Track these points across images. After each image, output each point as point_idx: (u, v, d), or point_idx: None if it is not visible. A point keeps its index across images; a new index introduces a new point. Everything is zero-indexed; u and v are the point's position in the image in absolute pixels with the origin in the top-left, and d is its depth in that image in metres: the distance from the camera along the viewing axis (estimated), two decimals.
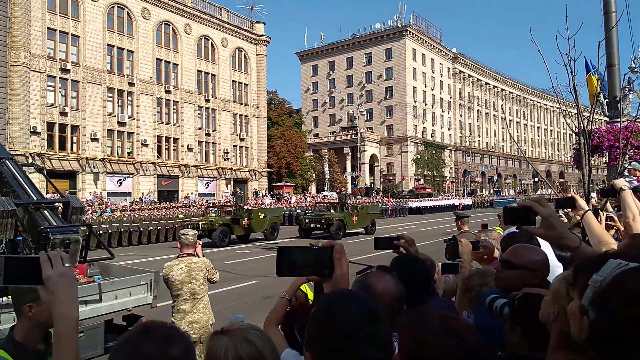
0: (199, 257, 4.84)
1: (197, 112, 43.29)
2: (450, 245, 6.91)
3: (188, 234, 4.80)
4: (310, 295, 3.48)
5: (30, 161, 31.20)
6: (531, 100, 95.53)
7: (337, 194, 33.32)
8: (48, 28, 32.90)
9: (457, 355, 1.08)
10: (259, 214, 22.90)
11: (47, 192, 31.54)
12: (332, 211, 24.48)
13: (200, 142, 43.45)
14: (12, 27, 30.62)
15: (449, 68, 76.99)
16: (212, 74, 44.94)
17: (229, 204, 26.46)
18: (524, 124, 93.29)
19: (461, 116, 78.26)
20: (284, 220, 31.40)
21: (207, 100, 43.94)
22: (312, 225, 22.89)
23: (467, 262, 2.97)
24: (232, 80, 46.96)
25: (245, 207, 24.27)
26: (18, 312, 1.70)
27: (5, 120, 30.27)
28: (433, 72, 72.63)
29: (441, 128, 74.08)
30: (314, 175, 60.94)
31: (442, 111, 74.54)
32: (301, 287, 3.45)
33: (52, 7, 33.19)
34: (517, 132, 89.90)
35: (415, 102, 67.77)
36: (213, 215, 23.00)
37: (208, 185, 43.98)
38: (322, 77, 73.63)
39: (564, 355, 1.28)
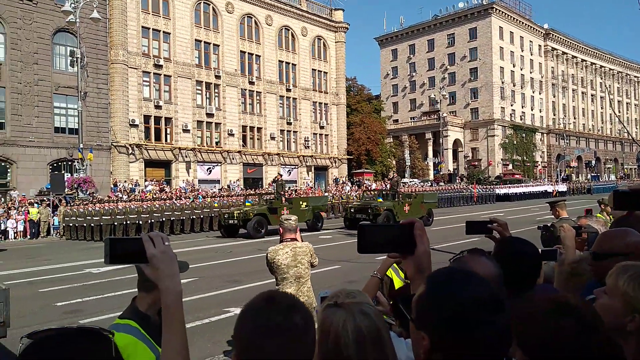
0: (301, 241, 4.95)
1: (278, 102, 44.36)
2: (547, 232, 6.49)
3: (290, 219, 4.90)
4: (397, 281, 3.43)
5: (130, 152, 33.88)
6: (635, 76, 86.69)
7: (389, 180, 31.35)
8: (142, 27, 35.25)
9: (575, 334, 1.02)
10: (301, 203, 21.43)
11: (145, 180, 34.17)
12: (380, 200, 22.34)
13: (282, 131, 44.53)
14: (111, 28, 33.20)
15: (540, 45, 71.95)
16: (292, 64, 45.72)
17: (270, 192, 25.27)
18: (627, 103, 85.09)
19: (554, 96, 73.04)
20: None
21: (288, 90, 44.84)
22: (357, 215, 20.96)
23: (570, 247, 2.76)
24: (312, 69, 47.45)
25: (287, 195, 23.06)
26: (150, 285, 1.76)
27: (108, 114, 33.04)
28: (522, 51, 68.28)
29: (532, 110, 69.65)
30: (394, 162, 60.16)
31: (533, 92, 69.99)
32: (387, 273, 3.41)
33: (146, 6, 35.47)
34: (619, 111, 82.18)
35: (502, 83, 64.24)
36: (248, 204, 22.05)
37: (290, 173, 45.03)
38: (402, 61, 72.06)
39: None
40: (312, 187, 41.00)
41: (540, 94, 71.39)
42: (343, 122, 50.25)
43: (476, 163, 63.07)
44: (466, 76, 65.29)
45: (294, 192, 34.86)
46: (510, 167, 62.06)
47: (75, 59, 28.30)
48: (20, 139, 29.28)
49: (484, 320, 0.98)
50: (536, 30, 70.99)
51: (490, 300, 1.01)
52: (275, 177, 24.44)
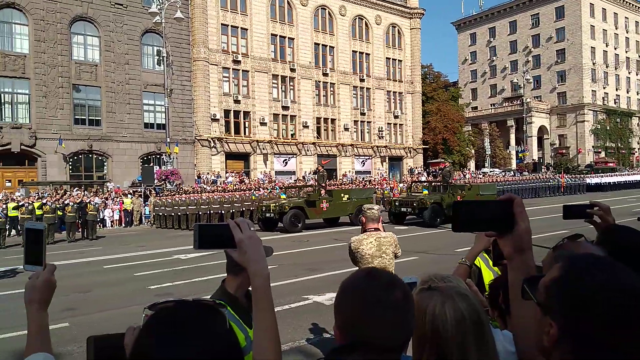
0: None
1: (352, 93, 44.27)
2: None
3: (373, 209, 4.84)
4: (485, 271, 3.29)
5: (212, 145, 35.48)
6: None
7: (440, 170, 28.91)
8: (221, 24, 36.61)
9: None
10: (342, 195, 20.37)
11: (226, 172, 35.67)
12: (425, 192, 20.47)
13: (355, 122, 44.44)
14: (193, 27, 34.82)
15: (637, 22, 65.79)
16: (366, 54, 45.36)
17: (310, 184, 23.99)
18: None
19: None
20: None
21: (361, 80, 44.60)
22: (402, 208, 19.49)
23: None
24: (386, 58, 46.79)
25: (328, 187, 21.68)
26: (238, 269, 1.78)
27: (192, 109, 34.82)
28: (616, 29, 62.74)
29: (627, 92, 63.94)
30: (472, 151, 57.99)
31: (629, 72, 64.22)
32: (475, 262, 3.26)
33: (224, 4, 36.77)
34: None
35: (593, 64, 59.50)
36: (282, 197, 21.32)
37: (364, 164, 44.94)
38: (481, 45, 68.98)
39: None
40: (386, 178, 40.64)
41: (637, 74, 65.31)
42: (418, 110, 49.16)
43: (564, 151, 59.19)
44: (552, 58, 61.22)
45: (368, 183, 34.78)
46: (602, 154, 57.64)
47: (161, 58, 30.05)
48: (115, 135, 31.71)
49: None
50: (632, 5, 64.96)
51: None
52: (317, 168, 23.43)
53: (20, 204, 20.72)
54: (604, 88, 61.00)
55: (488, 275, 3.13)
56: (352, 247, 4.73)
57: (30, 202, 20.48)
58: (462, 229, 1.28)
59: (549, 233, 12.52)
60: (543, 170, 49.18)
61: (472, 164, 57.80)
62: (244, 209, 23.09)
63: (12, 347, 6.17)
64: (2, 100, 28.78)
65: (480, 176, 41.47)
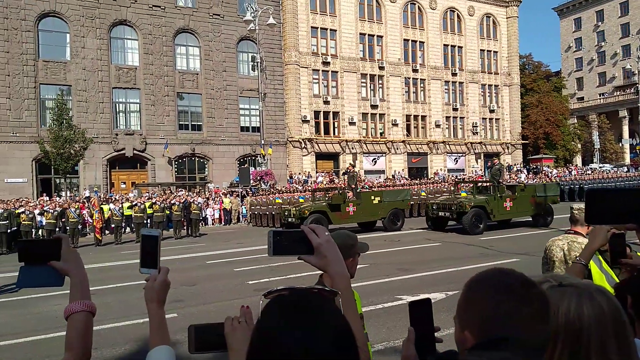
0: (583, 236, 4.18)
1: (443, 88, 42.96)
2: None
3: (578, 207, 4.29)
4: (596, 273, 3.02)
5: (303, 146, 36.36)
6: None
7: (489, 168, 24.75)
8: (311, 27, 37.38)
9: None
10: (372, 197, 18.69)
11: (316, 172, 36.36)
12: (464, 194, 18.36)
13: (447, 118, 43.07)
14: (284, 31, 35.95)
15: None
16: (458, 47, 43.78)
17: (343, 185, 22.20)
18: None
19: None
20: None
21: (453, 74, 43.11)
22: (440, 213, 17.25)
23: None
24: (480, 50, 44.81)
25: (358, 189, 19.81)
26: None
27: (284, 112, 35.97)
28: None
29: None
30: (579, 145, 53.60)
31: None
32: None
33: (314, 7, 37.50)
34: None
35: None
36: (301, 200, 19.94)
37: (457, 161, 43.39)
38: (587, 30, 63.46)
39: None
40: (482, 176, 38.90)
41: None
42: (517, 103, 46.44)
43: None
44: None
45: (461, 182, 33.48)
46: None
47: (255, 64, 31.37)
48: (214, 138, 33.69)
49: None
50: None
51: None
52: (347, 167, 21.20)
53: (133, 203, 22.74)
54: None
55: (599, 277, 2.86)
56: (546, 246, 4.34)
57: (142, 202, 22.40)
58: (597, 221, 1.18)
59: None
60: None
61: (578, 159, 53.45)
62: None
63: (133, 334, 6.80)
64: (117, 110, 31.86)
65: (588, 172, 38.23)
